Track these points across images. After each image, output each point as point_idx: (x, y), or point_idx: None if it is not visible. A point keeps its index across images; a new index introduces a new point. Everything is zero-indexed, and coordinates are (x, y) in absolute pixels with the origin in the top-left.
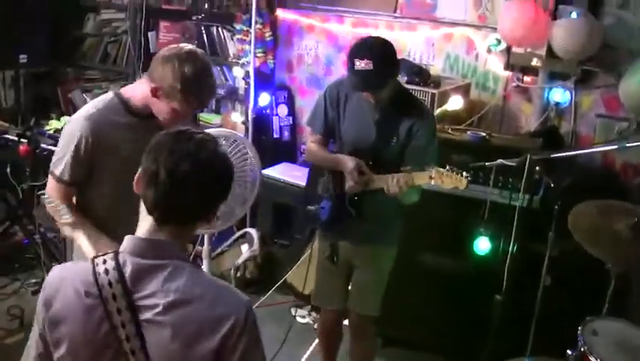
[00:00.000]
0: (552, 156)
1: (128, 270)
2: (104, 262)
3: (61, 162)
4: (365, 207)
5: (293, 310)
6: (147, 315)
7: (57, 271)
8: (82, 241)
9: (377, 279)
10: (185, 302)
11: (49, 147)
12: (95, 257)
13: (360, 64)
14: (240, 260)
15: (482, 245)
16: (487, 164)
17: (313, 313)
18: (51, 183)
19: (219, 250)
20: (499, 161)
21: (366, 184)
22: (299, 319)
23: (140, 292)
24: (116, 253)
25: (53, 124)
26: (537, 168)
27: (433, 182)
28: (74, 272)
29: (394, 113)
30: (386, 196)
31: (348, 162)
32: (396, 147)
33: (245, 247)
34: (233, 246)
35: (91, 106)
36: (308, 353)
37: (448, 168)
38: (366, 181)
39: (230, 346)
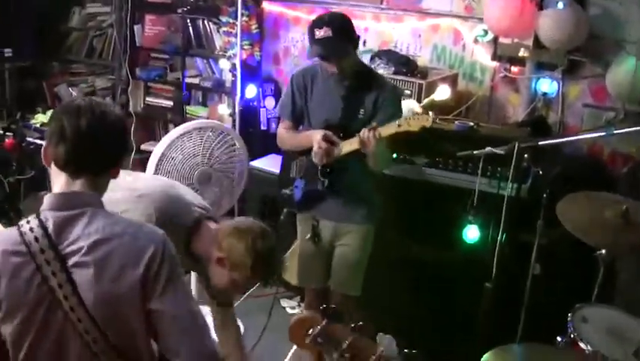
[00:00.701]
0: (540, 143)
1: (50, 224)
2: (28, 222)
3: None
4: (337, 178)
5: (282, 302)
6: (74, 259)
7: None
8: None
9: (357, 258)
10: (106, 240)
11: (35, 141)
12: (19, 222)
13: (320, 32)
14: None
15: (471, 234)
16: (475, 152)
17: (303, 304)
18: None
19: None
20: (488, 149)
21: (330, 153)
22: (288, 310)
23: (65, 241)
24: (38, 214)
25: (39, 118)
26: (525, 156)
27: (402, 129)
28: (0, 239)
29: (359, 87)
30: (359, 165)
31: (317, 133)
32: (364, 119)
33: None
34: None
35: (161, 216)
36: None
37: (413, 113)
38: (332, 151)
39: (153, 274)
